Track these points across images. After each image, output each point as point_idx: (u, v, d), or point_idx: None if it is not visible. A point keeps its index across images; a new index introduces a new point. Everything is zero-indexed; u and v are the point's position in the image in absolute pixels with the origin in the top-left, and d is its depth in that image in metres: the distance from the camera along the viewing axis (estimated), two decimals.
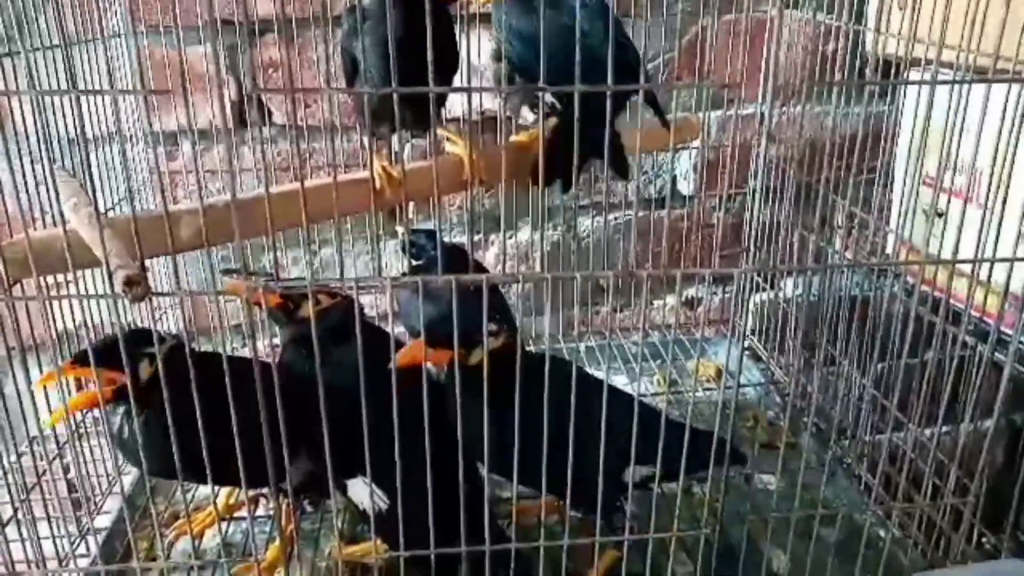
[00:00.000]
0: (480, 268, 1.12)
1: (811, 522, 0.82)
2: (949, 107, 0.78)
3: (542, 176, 0.69)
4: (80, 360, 0.71)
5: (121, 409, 0.77)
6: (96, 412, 1.03)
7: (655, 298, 1.46)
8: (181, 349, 0.73)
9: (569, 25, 0.75)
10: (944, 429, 0.85)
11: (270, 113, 1.25)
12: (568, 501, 0.72)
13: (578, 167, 0.81)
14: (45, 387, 0.75)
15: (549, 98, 0.83)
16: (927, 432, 0.90)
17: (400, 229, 1.07)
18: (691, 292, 1.47)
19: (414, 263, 1.04)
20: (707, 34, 1.26)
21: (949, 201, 0.89)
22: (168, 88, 1.14)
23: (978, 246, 0.74)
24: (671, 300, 1.45)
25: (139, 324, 1.05)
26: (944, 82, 0.72)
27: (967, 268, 0.76)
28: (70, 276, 0.71)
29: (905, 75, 0.91)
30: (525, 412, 0.65)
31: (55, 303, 0.94)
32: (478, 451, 0.72)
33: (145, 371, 0.73)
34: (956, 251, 0.76)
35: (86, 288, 0.94)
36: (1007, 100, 0.73)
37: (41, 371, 0.80)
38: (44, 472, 0.85)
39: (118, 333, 0.67)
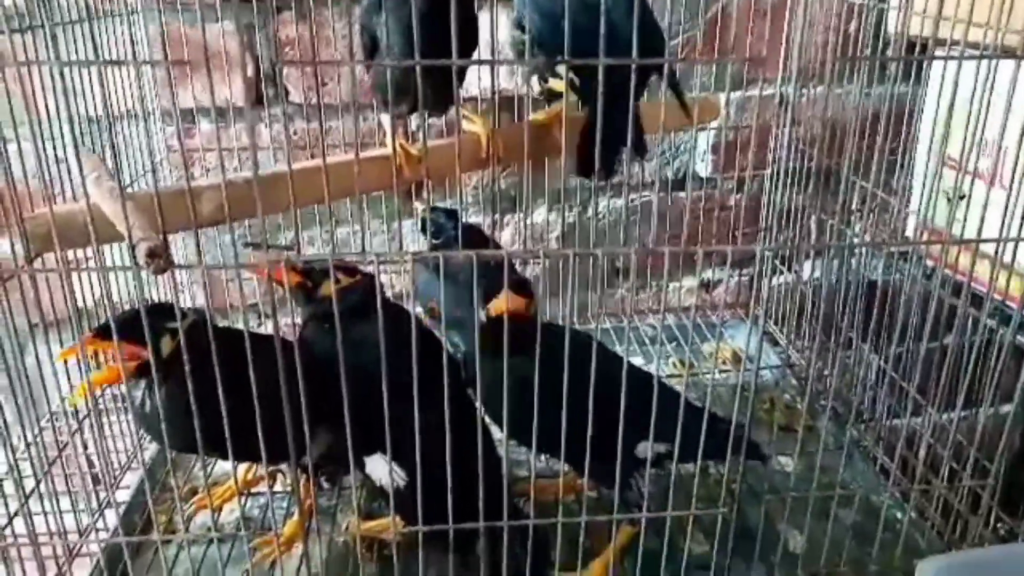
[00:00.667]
0: (497, 247, 1.12)
1: (828, 503, 0.82)
2: (975, 85, 0.76)
3: (578, 167, 0.69)
4: (101, 333, 0.71)
5: (143, 383, 0.77)
6: (116, 387, 1.04)
7: (672, 280, 1.45)
8: (202, 324, 0.73)
9: (591, 1, 0.74)
10: (963, 414, 0.85)
11: (287, 91, 1.25)
12: (586, 473, 0.72)
13: (613, 153, 0.81)
14: (66, 361, 0.75)
15: (569, 73, 0.82)
16: (946, 416, 0.90)
17: (419, 206, 1.07)
18: (708, 274, 1.47)
19: (433, 242, 1.04)
20: (729, 11, 1.25)
21: (973, 183, 0.88)
22: (186, 69, 1.14)
23: (1002, 226, 0.73)
24: (688, 282, 1.45)
25: (160, 299, 1.06)
26: (971, 58, 0.71)
27: (990, 250, 0.75)
28: (90, 252, 0.72)
29: (931, 53, 0.90)
30: (544, 380, 0.65)
31: (76, 278, 0.95)
32: (498, 417, 0.72)
33: (167, 345, 0.73)
34: (979, 233, 0.75)
35: (107, 264, 0.95)
36: None
37: (62, 346, 0.81)
38: (65, 446, 0.86)
39: (139, 307, 0.67)
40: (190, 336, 0.68)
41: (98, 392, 1.00)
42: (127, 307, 0.99)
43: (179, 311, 0.70)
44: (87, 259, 0.89)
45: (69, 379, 0.87)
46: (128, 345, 0.71)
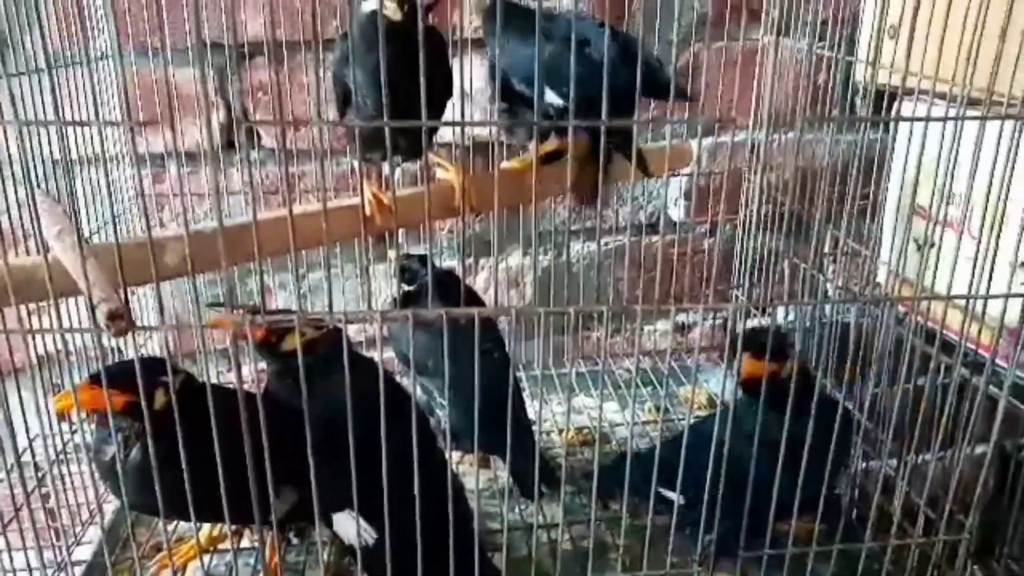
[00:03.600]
0: (472, 294, 1.11)
1: (805, 559, 0.81)
2: (942, 140, 0.77)
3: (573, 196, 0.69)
4: (96, 381, 0.70)
5: (113, 440, 0.75)
6: (77, 439, 1.01)
7: (647, 324, 1.45)
8: (193, 381, 0.72)
9: (565, 46, 0.74)
10: (939, 455, 0.85)
11: (259, 136, 1.24)
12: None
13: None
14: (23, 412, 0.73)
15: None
16: (920, 459, 0.89)
17: (392, 254, 1.06)
18: (683, 318, 1.47)
19: (406, 288, 1.03)
20: (700, 60, 1.26)
21: (943, 233, 0.88)
22: (155, 115, 1.13)
23: (971, 282, 0.73)
24: (662, 326, 1.45)
25: (122, 351, 1.04)
26: (936, 119, 0.72)
27: (961, 301, 0.75)
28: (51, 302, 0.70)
29: (898, 106, 0.91)
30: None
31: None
32: None
33: (159, 400, 0.71)
34: (951, 282, 0.76)
35: (68, 311, 0.93)
36: (1000, 136, 0.73)
37: (21, 397, 0.78)
38: (21, 507, 0.83)
39: (135, 359, 0.65)
40: (182, 392, 0.66)
41: (59, 444, 0.98)
42: (90, 355, 0.97)
43: (171, 368, 0.69)
44: (48, 307, 0.87)
45: (28, 431, 0.84)
46: (120, 395, 0.69)
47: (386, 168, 1.11)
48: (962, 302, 0.75)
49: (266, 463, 0.61)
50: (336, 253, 1.28)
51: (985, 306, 0.74)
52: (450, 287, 0.97)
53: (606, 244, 1.36)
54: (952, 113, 0.76)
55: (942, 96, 0.81)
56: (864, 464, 1.05)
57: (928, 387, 0.86)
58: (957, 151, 0.77)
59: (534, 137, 0.86)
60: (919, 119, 0.68)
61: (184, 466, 0.63)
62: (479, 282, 1.36)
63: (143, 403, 0.65)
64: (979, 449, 0.83)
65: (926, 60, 0.77)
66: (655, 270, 1.37)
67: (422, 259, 1.04)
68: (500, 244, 1.25)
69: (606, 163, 0.82)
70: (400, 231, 1.20)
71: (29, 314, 0.79)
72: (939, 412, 0.85)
